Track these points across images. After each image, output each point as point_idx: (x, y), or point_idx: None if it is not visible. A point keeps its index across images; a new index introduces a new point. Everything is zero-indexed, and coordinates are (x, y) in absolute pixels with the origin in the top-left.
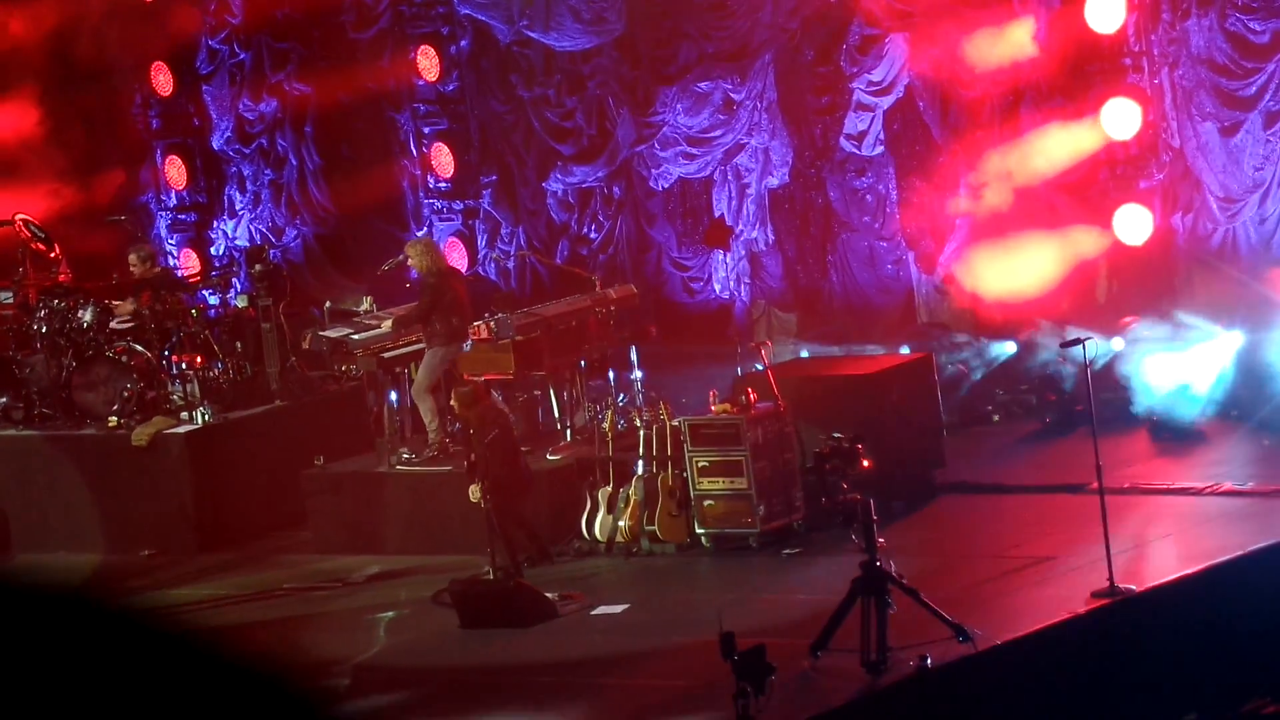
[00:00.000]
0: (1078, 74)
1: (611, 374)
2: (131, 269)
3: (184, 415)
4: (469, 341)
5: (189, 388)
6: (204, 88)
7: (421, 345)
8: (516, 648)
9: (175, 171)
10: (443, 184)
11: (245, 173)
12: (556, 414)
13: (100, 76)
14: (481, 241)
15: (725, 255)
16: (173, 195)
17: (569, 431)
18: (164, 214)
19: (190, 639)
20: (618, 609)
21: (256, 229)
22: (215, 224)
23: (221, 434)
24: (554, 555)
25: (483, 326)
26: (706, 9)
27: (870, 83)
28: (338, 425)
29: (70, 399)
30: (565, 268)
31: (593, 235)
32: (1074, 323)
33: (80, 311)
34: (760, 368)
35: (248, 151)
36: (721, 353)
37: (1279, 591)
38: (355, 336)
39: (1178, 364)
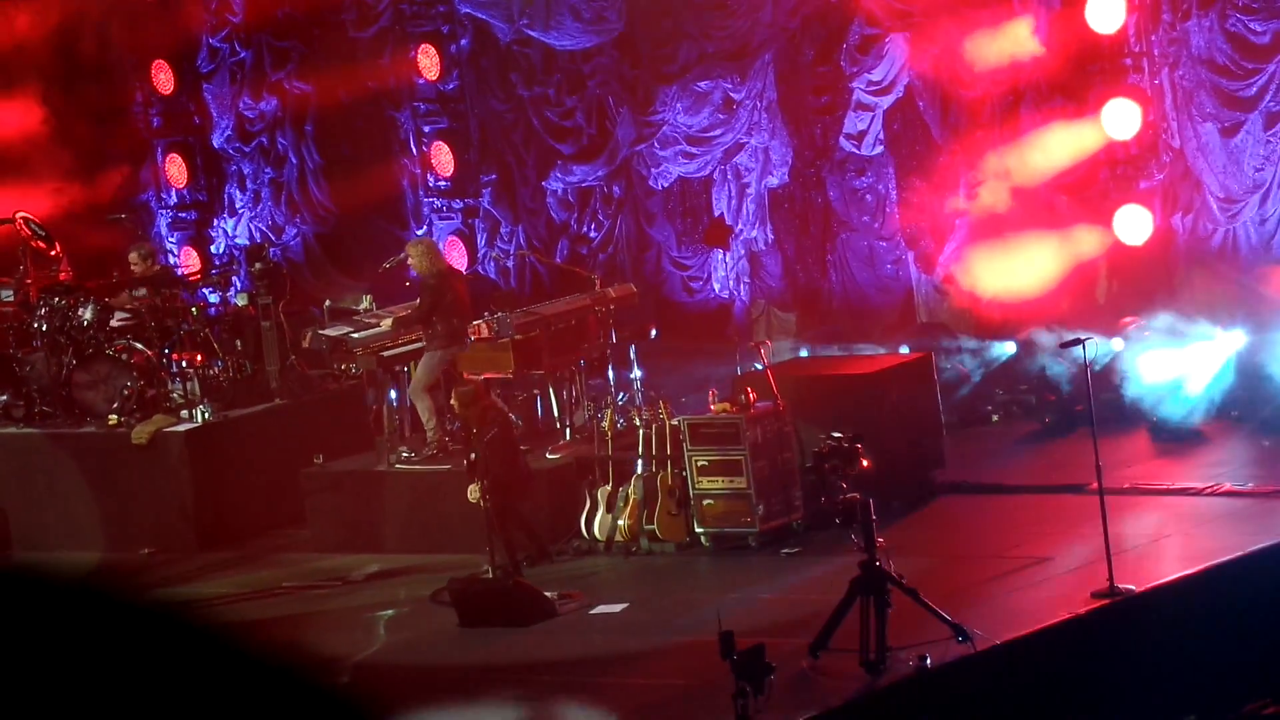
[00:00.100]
0: (1078, 74)
1: (611, 373)
2: (132, 267)
3: (184, 413)
4: (469, 342)
5: (189, 386)
6: (204, 86)
7: (421, 344)
8: (516, 647)
9: (176, 170)
10: (442, 183)
11: (245, 171)
12: (556, 413)
13: (103, 74)
14: (481, 240)
15: (725, 254)
16: (173, 193)
17: (568, 430)
18: (164, 212)
19: (220, 632)
20: (617, 608)
21: (257, 227)
22: (215, 222)
23: (221, 432)
24: (553, 554)
25: (482, 325)
26: (706, 8)
27: (870, 82)
28: (337, 424)
29: (70, 397)
30: (565, 267)
31: (592, 234)
32: (1074, 323)
33: (80, 309)
34: (759, 367)
35: (248, 150)
36: (721, 352)
37: (1279, 592)
38: (355, 335)
39: (1178, 364)
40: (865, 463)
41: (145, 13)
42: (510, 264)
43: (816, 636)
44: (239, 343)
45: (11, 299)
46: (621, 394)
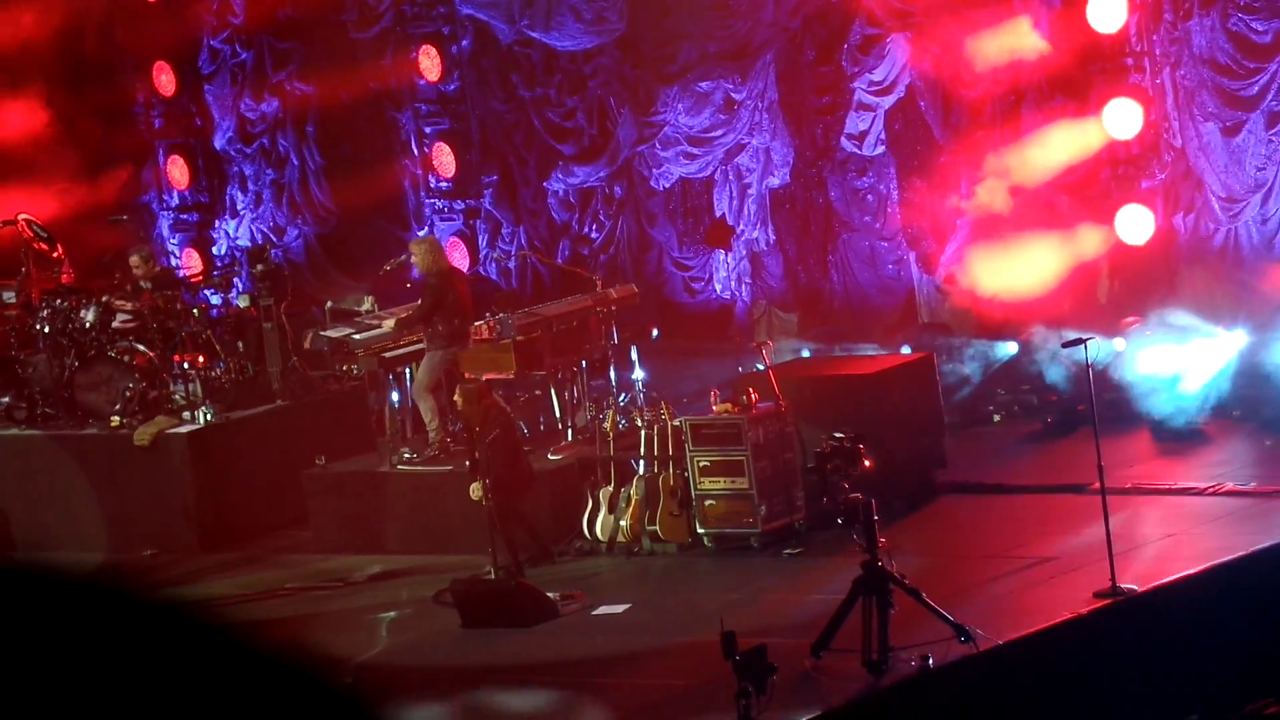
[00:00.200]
0: (1079, 73)
1: (613, 373)
2: (134, 269)
3: (186, 415)
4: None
5: (191, 387)
6: (206, 87)
7: (422, 345)
8: (518, 647)
9: (177, 171)
10: (444, 184)
11: (247, 172)
12: (558, 413)
13: (106, 75)
14: (483, 241)
15: (726, 255)
16: (175, 195)
17: (570, 431)
18: (166, 214)
19: (228, 630)
20: (619, 609)
21: (258, 229)
22: (217, 224)
23: (223, 434)
24: (555, 555)
25: (484, 326)
26: (707, 8)
27: (871, 82)
28: (339, 425)
29: (73, 399)
30: (566, 267)
31: (594, 235)
32: (1075, 323)
33: (83, 311)
34: (761, 367)
35: (249, 151)
36: (722, 352)
37: None
38: (356, 336)
39: (1179, 364)
40: (867, 463)
41: (146, 14)
42: (512, 265)
43: (819, 637)
44: (241, 344)
45: (14, 301)
46: (623, 395)
